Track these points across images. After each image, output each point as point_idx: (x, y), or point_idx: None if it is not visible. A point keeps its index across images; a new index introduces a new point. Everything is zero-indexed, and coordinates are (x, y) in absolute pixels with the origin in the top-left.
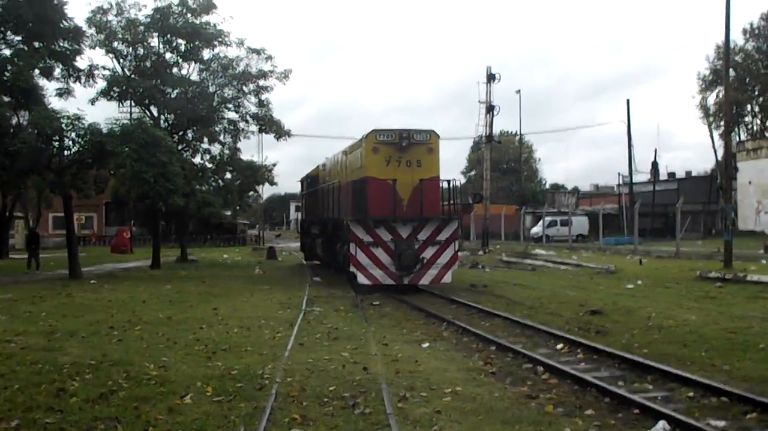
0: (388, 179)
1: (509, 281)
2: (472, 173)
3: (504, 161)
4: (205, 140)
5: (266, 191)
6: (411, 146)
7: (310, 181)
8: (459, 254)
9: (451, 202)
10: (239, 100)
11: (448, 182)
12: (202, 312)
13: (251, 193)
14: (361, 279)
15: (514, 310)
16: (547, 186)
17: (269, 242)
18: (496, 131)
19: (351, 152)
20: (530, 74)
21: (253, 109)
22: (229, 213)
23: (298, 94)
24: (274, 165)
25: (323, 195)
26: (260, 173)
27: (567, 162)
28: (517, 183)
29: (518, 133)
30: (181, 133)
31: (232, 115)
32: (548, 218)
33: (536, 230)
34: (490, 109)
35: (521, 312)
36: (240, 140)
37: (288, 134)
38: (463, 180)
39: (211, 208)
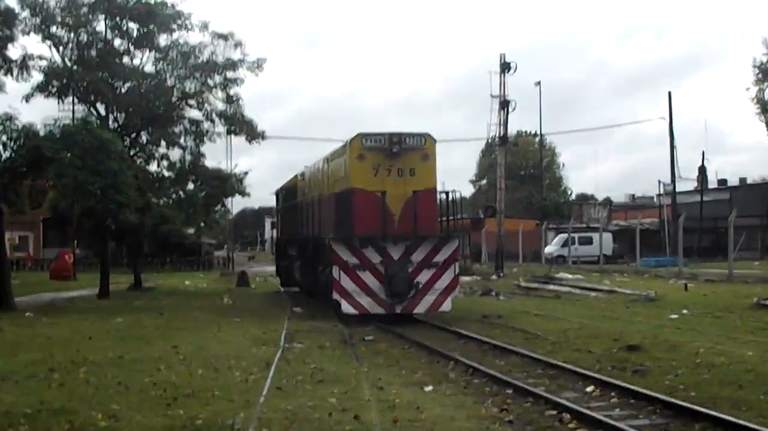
0: (376, 190)
1: (529, 311)
2: (484, 181)
3: (522, 166)
4: (163, 143)
5: (237, 204)
6: (403, 152)
7: (287, 193)
8: (467, 278)
9: (451, 217)
10: (203, 96)
11: (447, 193)
12: (159, 350)
13: (219, 207)
14: (346, 308)
15: (534, 346)
16: (574, 197)
17: (240, 265)
18: (512, 130)
19: (333, 159)
20: (553, 64)
21: (220, 106)
22: (191, 231)
23: (279, 89)
24: (245, 174)
25: (302, 210)
26: (229, 183)
27: (597, 168)
28: (538, 193)
29: (538, 133)
30: (133, 135)
31: (194, 113)
32: (563, 236)
33: (550, 249)
34: (504, 104)
35: (543, 348)
36: (204, 143)
37: (262, 136)
38: (472, 190)
39: (171, 225)
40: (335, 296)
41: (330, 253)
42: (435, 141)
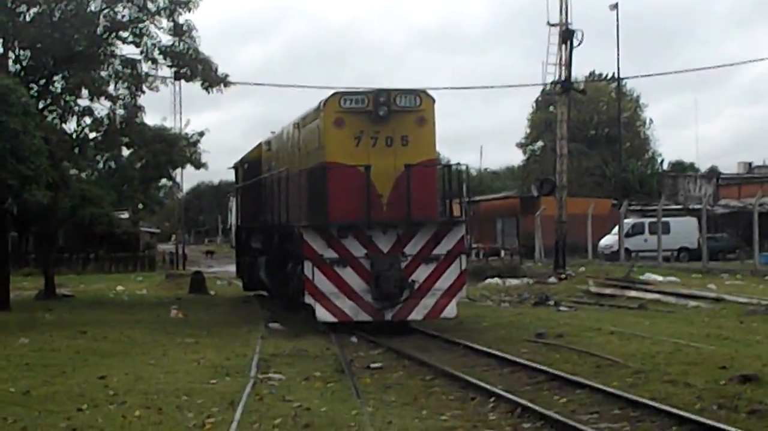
0: (358, 165)
1: (601, 328)
2: (537, 144)
3: (592, 124)
4: (85, 92)
5: (190, 178)
6: (392, 115)
7: (249, 167)
8: (514, 281)
9: (452, 199)
10: (141, 26)
11: (449, 166)
12: (81, 383)
13: (163, 181)
14: (322, 314)
15: (609, 376)
16: (665, 167)
17: (195, 263)
18: (578, 73)
19: (306, 125)
20: None
21: (165, 39)
22: (125, 216)
23: (262, 16)
24: (200, 134)
25: (267, 190)
26: (178, 148)
27: (700, 128)
28: (615, 162)
29: (616, 77)
30: (43, 81)
31: (129, 50)
32: (630, 222)
33: (608, 241)
34: (566, 36)
35: (622, 380)
36: (144, 91)
37: (224, 81)
38: (521, 158)
39: (96, 208)
40: (307, 298)
41: (301, 245)
42: (434, 100)
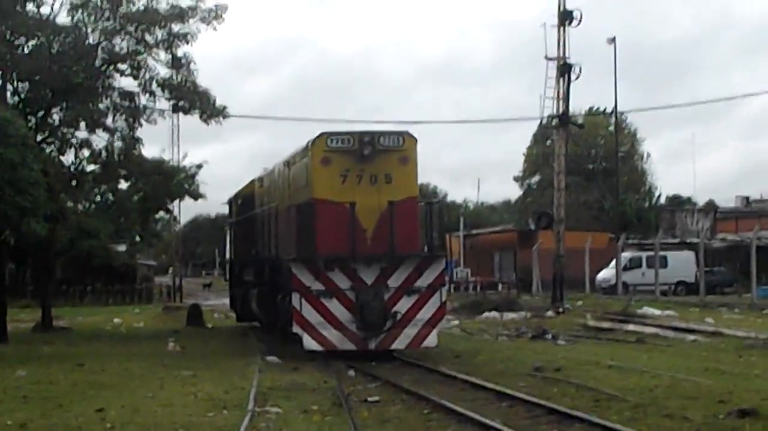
0: (344, 201)
1: (599, 362)
2: (535, 178)
3: (589, 157)
4: (83, 124)
5: (188, 210)
6: (377, 154)
7: (243, 203)
8: (511, 314)
9: (443, 233)
10: (139, 59)
11: (430, 203)
12: (78, 416)
13: (161, 214)
14: (309, 343)
15: (607, 410)
16: (663, 200)
17: (192, 296)
18: (576, 107)
19: (295, 163)
20: (632, 13)
21: (164, 72)
22: (123, 249)
23: (267, 49)
24: (199, 167)
25: (259, 225)
26: (176, 181)
27: (697, 162)
28: (612, 195)
29: (614, 110)
30: (41, 113)
31: (127, 82)
32: (627, 255)
33: (605, 274)
34: (564, 69)
35: (620, 414)
36: (141, 124)
37: (223, 113)
38: (518, 192)
39: (94, 240)
40: (295, 328)
41: (289, 277)
42: (416, 140)
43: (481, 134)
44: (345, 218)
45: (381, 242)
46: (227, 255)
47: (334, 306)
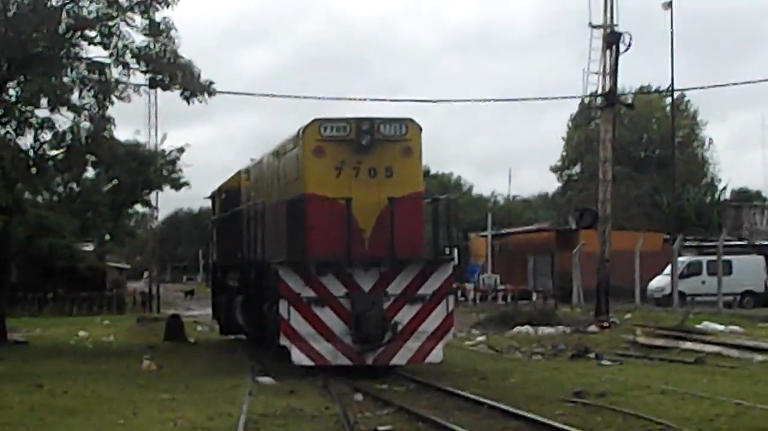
0: (339, 197)
1: (651, 386)
2: (575, 169)
3: (641, 144)
4: (44, 101)
5: (166, 204)
6: (376, 144)
7: (227, 197)
8: (548, 329)
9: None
10: (110, 24)
11: (436, 200)
12: None
13: (136, 208)
14: (298, 357)
15: None
16: (728, 195)
17: (171, 305)
18: (625, 84)
19: (285, 153)
20: None
21: (139, 40)
22: (90, 249)
23: (269, 15)
24: (180, 150)
25: (245, 222)
26: (154, 169)
27: None
28: (668, 189)
29: (670, 89)
30: None
31: (96, 52)
32: (685, 260)
33: (659, 283)
34: (612, 40)
35: None
36: (112, 102)
37: (208, 90)
38: (557, 185)
39: (56, 238)
40: (283, 340)
41: (276, 283)
42: (420, 129)
43: (515, 116)
44: (340, 217)
45: (380, 243)
46: (210, 258)
47: (327, 316)
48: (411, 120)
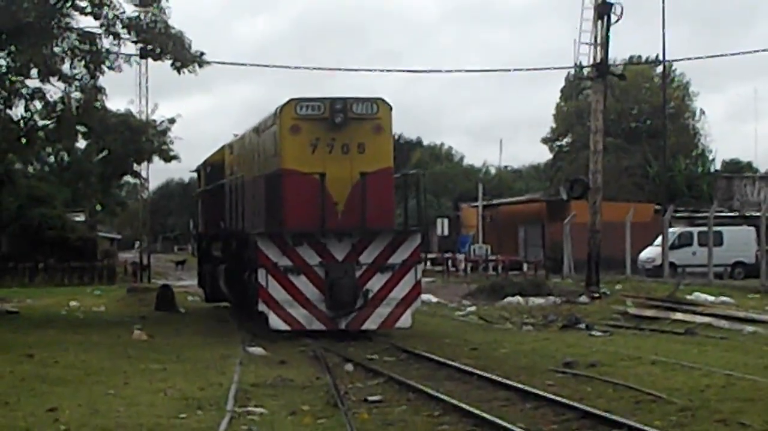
0: (313, 172)
1: (641, 357)
2: (566, 139)
3: (632, 115)
4: (34, 71)
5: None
6: (349, 122)
7: (212, 171)
8: (539, 300)
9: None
10: None
11: (407, 174)
12: (27, 416)
13: (127, 179)
14: (275, 322)
15: (650, 413)
16: (718, 166)
17: (162, 275)
18: (616, 55)
19: (264, 130)
20: None
21: (130, 10)
22: (81, 219)
23: None
24: (171, 121)
25: (227, 196)
26: (145, 138)
27: (761, 122)
28: (659, 160)
29: (661, 58)
30: None
31: (87, 22)
32: (675, 231)
33: (649, 253)
34: (603, 10)
35: (665, 418)
36: (103, 72)
37: (199, 60)
38: (547, 155)
39: (46, 208)
40: (261, 306)
41: (255, 253)
42: (391, 108)
43: (510, 87)
44: (315, 190)
45: (353, 215)
46: (196, 229)
47: (303, 284)
48: (382, 99)
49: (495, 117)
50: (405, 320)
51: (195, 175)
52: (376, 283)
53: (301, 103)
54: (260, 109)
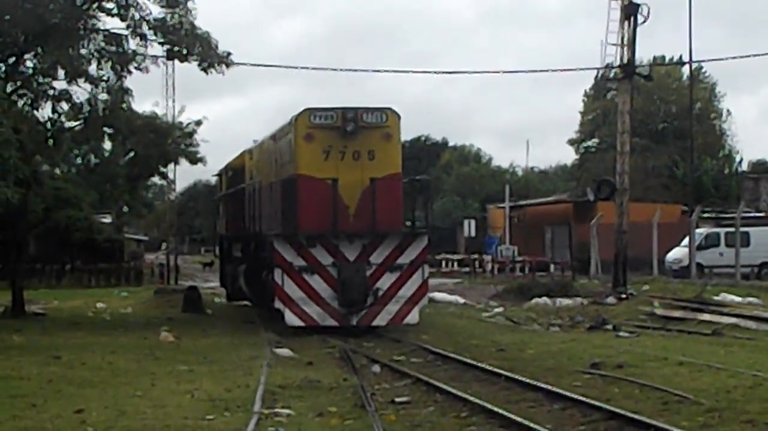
0: (326, 178)
1: (668, 358)
2: (592, 141)
3: (659, 116)
4: (61, 73)
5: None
6: (359, 131)
7: (233, 175)
8: (566, 301)
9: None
10: None
11: (414, 180)
12: (54, 418)
13: (155, 180)
14: (291, 319)
15: (677, 414)
16: (745, 167)
17: (190, 277)
18: (642, 56)
19: (280, 138)
20: None
21: (156, 12)
22: (108, 221)
23: None
24: (197, 123)
25: (247, 199)
26: (170, 141)
27: None
28: (686, 161)
29: (688, 58)
30: (11, 60)
31: (113, 23)
32: (702, 232)
33: (676, 254)
34: (630, 11)
35: (692, 419)
36: (130, 72)
37: (226, 61)
38: (573, 157)
39: (74, 210)
40: (277, 304)
41: (272, 253)
42: (399, 117)
43: (541, 89)
44: (327, 195)
45: (363, 218)
46: (219, 231)
47: (316, 282)
48: (390, 109)
49: (525, 119)
50: (412, 317)
51: (216, 179)
52: (385, 282)
53: (315, 113)
54: (293, 110)
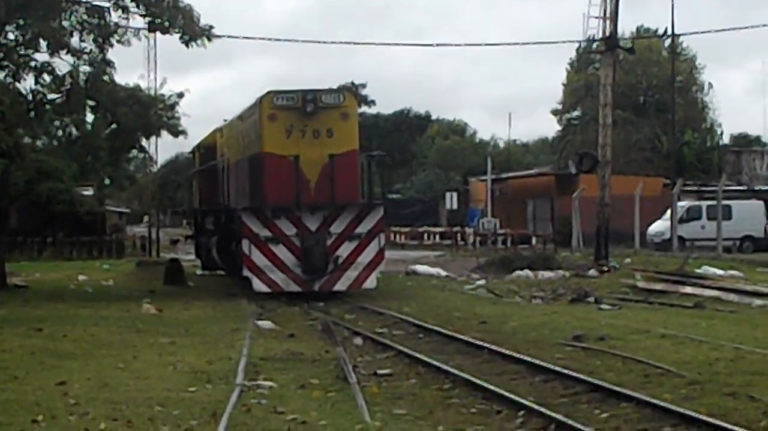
0: (288, 155)
1: (650, 330)
2: (575, 112)
3: (641, 89)
4: (43, 45)
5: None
6: (318, 111)
7: (205, 152)
8: (548, 273)
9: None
10: None
11: (370, 156)
12: (36, 390)
13: (135, 153)
14: (258, 286)
15: (659, 387)
16: (726, 140)
17: (171, 250)
18: (624, 29)
19: (247, 118)
20: None
21: None
22: (89, 193)
23: None
24: (179, 96)
25: (218, 175)
26: (153, 114)
27: None
28: (668, 134)
29: (669, 31)
30: None
31: None
32: (684, 205)
33: (658, 227)
34: None
35: (674, 392)
36: (112, 45)
37: (207, 34)
38: (556, 128)
39: (55, 182)
40: (245, 272)
41: (240, 225)
42: (355, 97)
43: (529, 62)
44: (290, 170)
45: (324, 192)
46: (193, 204)
47: (281, 251)
48: (348, 90)
49: (513, 92)
50: (370, 283)
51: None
52: (344, 250)
53: (278, 95)
54: (284, 83)
